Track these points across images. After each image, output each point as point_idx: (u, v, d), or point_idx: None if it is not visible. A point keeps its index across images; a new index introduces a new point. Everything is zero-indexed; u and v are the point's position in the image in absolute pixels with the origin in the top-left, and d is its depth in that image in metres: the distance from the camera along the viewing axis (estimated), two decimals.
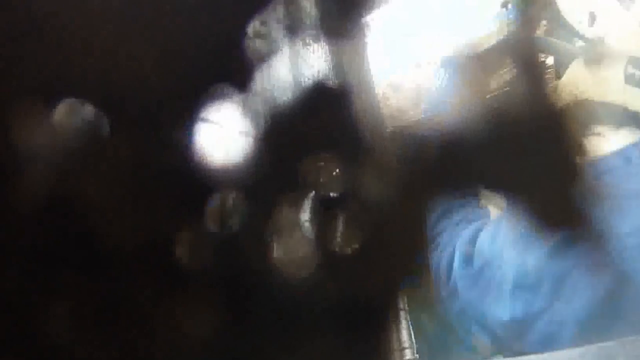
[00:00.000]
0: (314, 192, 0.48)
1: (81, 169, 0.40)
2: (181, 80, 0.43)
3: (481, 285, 0.79)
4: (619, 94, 0.79)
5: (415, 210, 0.53)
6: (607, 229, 0.65)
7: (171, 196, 0.42)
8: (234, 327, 0.43)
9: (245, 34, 0.45)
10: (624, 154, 0.76)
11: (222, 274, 0.43)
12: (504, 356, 0.81)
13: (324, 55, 0.56)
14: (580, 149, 0.75)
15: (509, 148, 0.55)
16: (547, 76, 0.96)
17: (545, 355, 0.66)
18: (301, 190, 0.47)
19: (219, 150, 0.45)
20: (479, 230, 0.83)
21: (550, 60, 0.97)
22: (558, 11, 0.92)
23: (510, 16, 1.05)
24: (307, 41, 0.54)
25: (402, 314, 0.62)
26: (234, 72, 0.46)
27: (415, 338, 0.64)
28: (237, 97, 0.46)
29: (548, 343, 0.72)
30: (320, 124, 0.50)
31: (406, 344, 0.62)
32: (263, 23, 0.47)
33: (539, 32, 1.05)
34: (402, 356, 0.61)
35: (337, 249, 0.47)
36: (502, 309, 0.76)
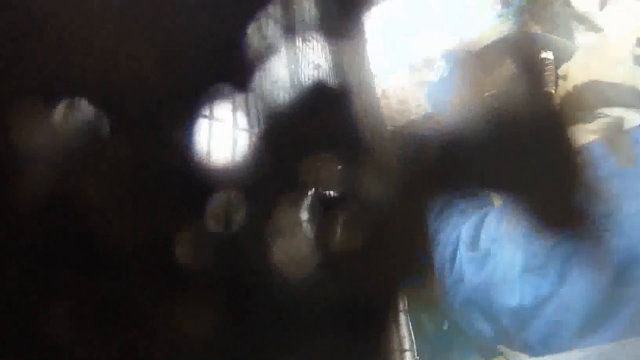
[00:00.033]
0: (314, 192, 0.48)
1: (81, 169, 0.40)
2: (181, 80, 0.43)
3: (488, 270, 0.78)
4: (628, 75, 0.79)
5: (415, 210, 0.53)
6: (612, 215, 0.66)
7: (171, 196, 0.42)
8: (234, 327, 0.43)
9: (245, 34, 0.45)
10: (632, 135, 0.77)
11: (222, 274, 0.43)
12: (505, 354, 0.81)
13: (323, 55, 0.56)
14: (580, 149, 0.76)
15: (508, 148, 0.55)
16: (547, 74, 0.96)
17: (546, 358, 0.66)
18: (301, 190, 0.47)
19: (219, 150, 0.45)
20: (484, 216, 0.82)
21: (550, 57, 0.97)
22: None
23: (511, 12, 1.05)
24: (307, 41, 0.54)
25: (402, 314, 0.62)
26: (234, 72, 0.46)
27: (415, 338, 0.64)
28: (237, 97, 0.46)
29: (554, 332, 0.72)
30: (320, 123, 0.50)
31: (406, 345, 0.62)
32: (263, 23, 0.47)
33: (540, 28, 1.05)
34: (402, 357, 0.61)
35: (337, 249, 0.47)
36: (510, 294, 0.75)
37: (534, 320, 0.73)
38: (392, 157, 0.56)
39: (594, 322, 0.69)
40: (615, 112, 0.79)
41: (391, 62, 1.11)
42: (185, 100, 0.43)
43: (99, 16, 0.40)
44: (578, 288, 0.70)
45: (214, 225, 0.43)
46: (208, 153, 0.44)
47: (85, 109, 0.39)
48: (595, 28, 0.91)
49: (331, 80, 0.57)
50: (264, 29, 0.47)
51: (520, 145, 0.56)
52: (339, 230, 0.48)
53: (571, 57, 0.87)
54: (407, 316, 0.63)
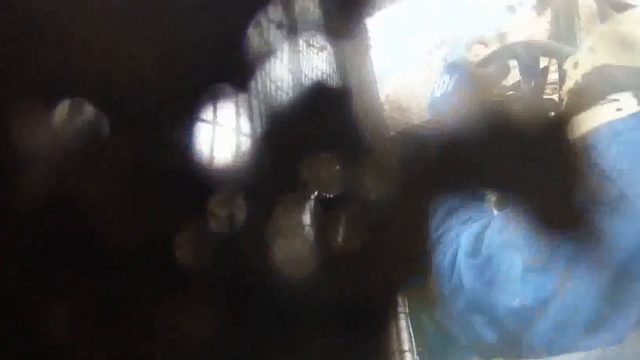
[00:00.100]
0: (314, 192, 0.48)
1: (81, 169, 0.40)
2: (181, 80, 0.43)
3: (488, 275, 0.78)
4: (638, 57, 0.79)
5: (416, 210, 0.53)
6: (623, 196, 0.66)
7: (171, 196, 0.42)
8: (234, 327, 0.43)
9: (246, 34, 0.45)
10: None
11: (222, 274, 0.43)
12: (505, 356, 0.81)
13: (325, 56, 0.56)
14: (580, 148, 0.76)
15: (509, 148, 0.55)
16: (550, 82, 0.96)
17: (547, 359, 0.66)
18: (301, 191, 0.47)
19: (219, 150, 0.45)
20: (485, 227, 0.82)
21: (553, 64, 0.97)
22: None
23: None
24: (309, 42, 0.54)
25: (402, 314, 0.62)
26: (234, 72, 0.46)
27: (415, 339, 0.64)
28: (237, 97, 0.46)
29: (559, 332, 0.71)
30: (321, 124, 0.50)
31: (406, 345, 0.62)
32: (264, 23, 0.47)
33: (544, 34, 1.06)
34: (402, 357, 0.61)
35: (337, 249, 0.47)
36: (512, 296, 0.75)
37: (538, 321, 0.73)
38: (392, 157, 0.56)
39: (600, 322, 0.68)
40: (626, 96, 0.79)
41: (392, 62, 1.11)
42: (185, 100, 0.43)
43: (99, 16, 0.40)
44: (582, 286, 0.70)
45: (214, 225, 0.43)
46: (208, 153, 0.44)
47: (85, 109, 0.39)
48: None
49: (332, 81, 0.57)
50: (265, 29, 0.47)
51: (521, 146, 0.56)
52: (339, 230, 0.48)
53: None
54: (407, 317, 0.63)
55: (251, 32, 0.46)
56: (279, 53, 0.50)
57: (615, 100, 0.79)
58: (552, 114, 0.89)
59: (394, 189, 0.51)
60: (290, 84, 0.52)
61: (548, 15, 1.09)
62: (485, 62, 0.98)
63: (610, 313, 0.68)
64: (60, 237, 0.39)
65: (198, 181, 0.44)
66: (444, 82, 0.97)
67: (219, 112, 0.45)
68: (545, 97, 0.96)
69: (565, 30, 1.07)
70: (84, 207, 0.39)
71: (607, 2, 0.98)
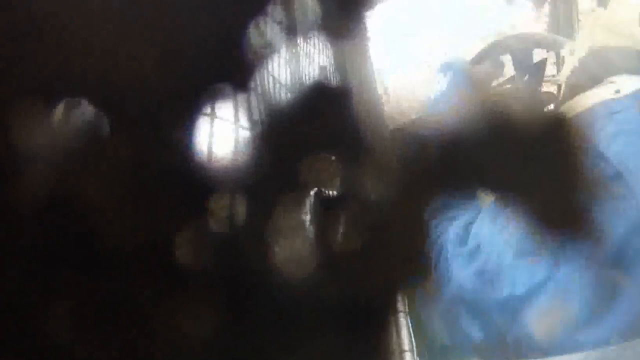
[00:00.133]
0: (314, 192, 0.48)
1: (81, 169, 0.40)
2: (181, 80, 0.43)
3: (476, 264, 0.78)
4: (634, 38, 0.79)
5: (416, 210, 0.53)
6: (620, 177, 0.66)
7: (171, 196, 0.42)
8: (234, 327, 0.43)
9: (246, 33, 0.45)
10: (636, 97, 0.77)
11: (222, 274, 0.43)
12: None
13: (325, 55, 0.56)
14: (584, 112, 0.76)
15: (509, 148, 0.55)
16: (547, 74, 0.96)
17: (545, 358, 0.66)
18: (301, 190, 0.47)
19: (219, 150, 0.45)
20: (474, 218, 0.82)
21: (551, 57, 0.97)
22: None
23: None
24: (309, 41, 0.54)
25: (402, 314, 0.62)
26: (234, 72, 0.46)
27: (415, 339, 0.64)
28: (237, 97, 0.46)
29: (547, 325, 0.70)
30: (320, 123, 0.50)
31: (406, 345, 0.62)
32: (264, 23, 0.47)
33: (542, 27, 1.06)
34: (402, 357, 0.61)
35: (337, 249, 0.47)
36: (500, 285, 0.74)
37: (528, 312, 0.72)
38: (392, 157, 0.56)
39: (592, 315, 0.68)
40: (622, 79, 0.79)
41: (391, 62, 1.11)
42: (185, 100, 0.43)
43: (99, 16, 0.40)
44: (574, 275, 0.69)
45: (214, 225, 0.43)
46: (208, 153, 0.44)
47: (85, 109, 0.39)
48: None
49: (332, 80, 0.57)
50: (265, 28, 0.47)
51: (521, 145, 0.56)
52: (339, 230, 0.48)
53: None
54: (407, 316, 0.63)
55: (251, 31, 0.46)
56: (279, 53, 0.50)
57: (611, 82, 0.79)
58: (551, 106, 0.90)
59: (394, 189, 0.51)
60: (290, 83, 0.52)
61: (547, 8, 1.09)
62: (479, 59, 0.99)
63: (601, 305, 0.67)
64: (60, 237, 0.39)
65: (198, 181, 0.44)
66: (439, 83, 0.97)
67: (218, 112, 0.45)
68: (544, 90, 0.96)
69: (564, 22, 1.07)
70: (84, 207, 0.39)
71: None
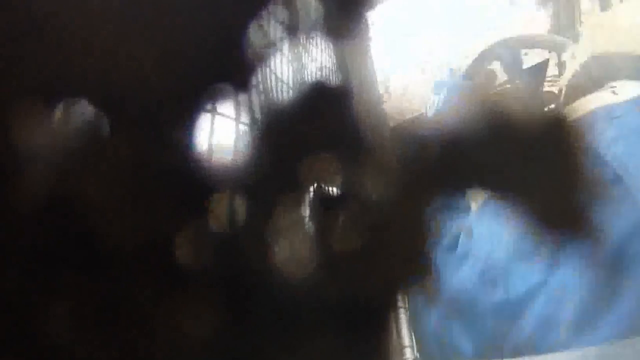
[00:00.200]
0: (314, 192, 0.48)
1: (81, 169, 0.40)
2: (181, 80, 0.43)
3: (467, 269, 0.77)
4: (635, 44, 0.79)
5: (416, 210, 0.53)
6: (619, 181, 0.65)
7: (171, 196, 0.42)
8: (234, 327, 0.43)
9: (246, 33, 0.45)
10: (637, 102, 0.77)
11: (222, 274, 0.43)
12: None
13: (325, 55, 0.56)
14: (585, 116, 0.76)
15: (509, 148, 0.55)
16: (548, 74, 0.96)
17: (544, 357, 0.66)
18: (301, 191, 0.47)
19: (220, 150, 0.45)
20: (463, 222, 0.82)
21: (552, 58, 0.97)
22: None
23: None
24: (309, 41, 0.54)
25: (402, 310, 0.62)
26: (234, 72, 0.46)
27: (415, 336, 0.64)
28: (237, 97, 0.46)
29: (545, 328, 0.70)
30: (321, 123, 0.50)
31: (406, 341, 0.62)
32: (265, 23, 0.47)
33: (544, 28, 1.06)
34: (402, 352, 0.61)
35: (337, 249, 0.47)
36: (493, 290, 0.73)
37: (523, 316, 0.71)
38: (393, 157, 0.56)
39: (589, 317, 0.67)
40: (623, 84, 0.79)
41: (392, 62, 1.11)
42: (185, 100, 0.43)
43: (99, 16, 0.40)
44: (570, 276, 0.68)
45: (214, 225, 0.43)
46: (208, 153, 0.44)
47: (85, 109, 0.39)
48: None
49: (333, 80, 0.57)
50: (267, 28, 0.47)
51: (521, 145, 0.56)
52: (339, 230, 0.48)
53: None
54: (407, 312, 0.63)
55: (252, 31, 0.46)
56: (279, 53, 0.50)
57: (612, 87, 0.79)
58: (552, 106, 0.90)
59: (394, 189, 0.51)
60: (291, 83, 0.52)
61: (550, 9, 1.09)
62: (470, 73, 0.98)
63: (601, 308, 0.67)
64: (60, 237, 0.39)
65: (198, 181, 0.44)
66: (434, 103, 0.97)
67: (218, 112, 0.45)
68: (545, 89, 0.97)
69: (566, 23, 1.07)
70: (84, 207, 0.39)
71: None
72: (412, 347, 0.63)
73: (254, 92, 0.47)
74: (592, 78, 0.80)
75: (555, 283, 0.69)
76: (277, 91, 0.50)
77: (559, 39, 0.99)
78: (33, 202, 0.38)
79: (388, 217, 0.50)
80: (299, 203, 0.47)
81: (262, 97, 0.48)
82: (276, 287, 0.44)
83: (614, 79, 0.80)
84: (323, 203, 0.48)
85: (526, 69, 1.03)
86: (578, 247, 0.64)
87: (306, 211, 0.47)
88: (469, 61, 0.99)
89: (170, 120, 0.42)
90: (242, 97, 0.47)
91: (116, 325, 0.40)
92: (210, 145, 0.45)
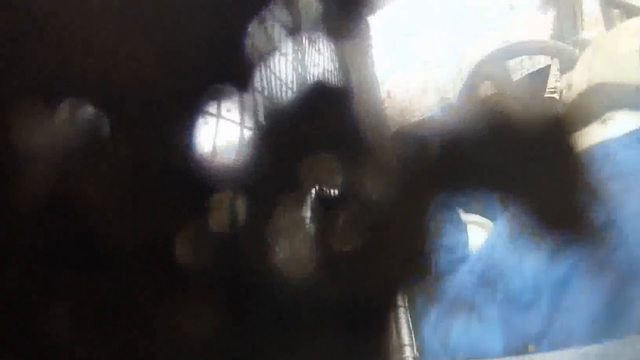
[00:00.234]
0: (314, 192, 0.48)
1: (81, 169, 0.40)
2: (182, 80, 0.43)
3: (467, 269, 0.77)
4: (634, 73, 0.78)
5: (416, 210, 0.53)
6: (613, 219, 0.64)
7: (171, 196, 0.42)
8: (234, 327, 0.43)
9: (246, 33, 0.45)
10: (635, 135, 0.75)
11: (222, 274, 0.43)
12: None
13: (326, 55, 0.56)
14: (582, 151, 0.75)
15: (509, 148, 0.55)
16: (551, 80, 0.96)
17: (549, 355, 0.66)
18: (301, 191, 0.47)
19: (220, 150, 0.45)
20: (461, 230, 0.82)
21: (554, 63, 0.97)
22: None
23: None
24: (310, 41, 0.54)
25: (402, 309, 0.62)
26: (234, 71, 0.46)
27: (415, 335, 0.64)
28: (237, 97, 0.46)
29: (546, 327, 0.70)
30: (321, 123, 0.50)
31: (406, 340, 0.62)
32: (266, 23, 0.47)
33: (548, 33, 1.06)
34: (402, 351, 0.61)
35: (337, 249, 0.47)
36: (493, 290, 0.73)
37: (523, 316, 0.71)
38: (393, 157, 0.56)
39: (599, 331, 0.67)
40: (622, 115, 0.78)
41: (392, 62, 1.11)
42: (185, 100, 0.43)
43: (99, 16, 0.40)
44: (572, 275, 0.68)
45: (214, 225, 0.43)
46: (208, 153, 0.44)
47: (85, 109, 0.39)
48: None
49: (334, 81, 0.57)
50: (267, 29, 0.47)
51: (522, 147, 0.56)
52: (339, 230, 0.48)
53: (574, 65, 0.86)
54: (406, 311, 0.63)
55: (253, 31, 0.46)
56: (280, 53, 0.50)
57: (610, 119, 0.78)
58: (553, 112, 0.89)
59: (394, 189, 0.51)
60: (291, 83, 0.52)
61: (551, 13, 1.09)
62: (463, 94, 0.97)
63: (610, 323, 0.67)
64: (60, 237, 0.39)
65: (198, 181, 0.44)
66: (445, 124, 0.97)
67: (219, 112, 0.45)
68: (547, 94, 0.96)
69: (569, 28, 1.07)
70: (84, 207, 0.39)
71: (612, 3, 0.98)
72: (412, 346, 0.63)
73: (254, 92, 0.47)
74: (590, 108, 0.79)
75: (556, 283, 0.70)
76: (277, 91, 0.50)
77: (561, 45, 0.98)
78: (33, 202, 0.38)
79: (388, 217, 0.50)
80: (299, 203, 0.47)
81: (263, 98, 0.48)
82: (276, 287, 0.44)
83: (613, 109, 0.78)
84: (323, 203, 0.48)
85: (527, 75, 1.03)
86: (578, 247, 0.64)
87: (306, 211, 0.47)
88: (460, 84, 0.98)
89: (170, 120, 0.42)
90: (243, 98, 0.47)
91: (116, 325, 0.40)
92: (210, 145, 0.45)
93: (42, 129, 0.39)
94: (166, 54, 0.42)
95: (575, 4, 1.05)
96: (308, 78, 0.54)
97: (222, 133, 0.45)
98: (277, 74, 0.50)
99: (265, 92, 0.49)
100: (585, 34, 1.02)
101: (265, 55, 0.48)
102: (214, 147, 0.45)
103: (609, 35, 0.86)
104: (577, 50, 0.94)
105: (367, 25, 0.61)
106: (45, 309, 0.39)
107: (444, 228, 0.86)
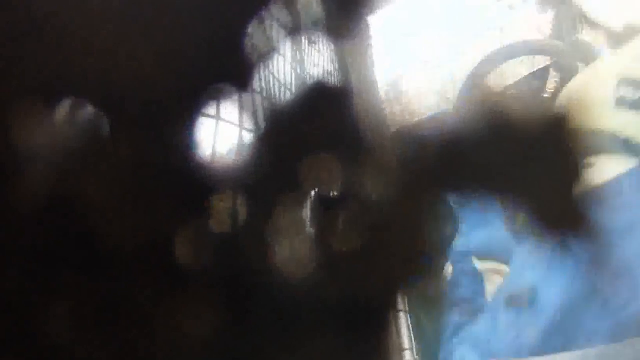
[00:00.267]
0: (314, 192, 0.48)
1: (81, 169, 0.40)
2: (182, 80, 0.43)
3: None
4: (609, 119, 0.76)
5: (416, 210, 0.53)
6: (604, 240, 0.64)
7: (171, 196, 0.42)
8: (234, 327, 0.43)
9: (246, 34, 0.45)
10: (615, 185, 0.73)
11: (222, 274, 0.43)
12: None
13: (326, 55, 0.56)
14: (581, 150, 0.74)
15: (509, 149, 0.55)
16: (549, 81, 0.96)
17: (549, 357, 0.66)
18: (301, 191, 0.47)
19: (220, 150, 0.45)
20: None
21: (554, 64, 0.97)
22: None
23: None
24: (310, 41, 0.54)
25: (402, 313, 0.62)
26: (234, 71, 0.46)
27: (415, 338, 0.64)
28: (237, 97, 0.46)
29: (546, 327, 0.70)
30: (321, 123, 0.50)
31: (406, 344, 0.62)
32: (266, 23, 0.47)
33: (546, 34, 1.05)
34: (401, 356, 0.61)
35: (337, 249, 0.47)
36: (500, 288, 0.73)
37: (523, 316, 0.71)
38: (392, 157, 0.56)
39: (591, 315, 0.67)
40: (599, 160, 0.76)
41: (392, 62, 1.11)
42: (185, 100, 0.43)
43: (99, 16, 0.40)
44: (572, 275, 0.68)
45: (214, 225, 0.43)
46: (209, 153, 0.44)
47: (85, 109, 0.39)
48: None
49: (334, 81, 0.57)
50: (267, 29, 0.47)
51: (521, 146, 0.56)
52: (339, 230, 0.48)
53: (574, 65, 0.86)
54: (407, 315, 0.63)
55: (252, 31, 0.46)
56: (279, 53, 0.50)
57: (590, 165, 0.75)
58: (552, 112, 0.89)
59: (394, 189, 0.51)
60: (291, 83, 0.52)
61: (551, 14, 1.09)
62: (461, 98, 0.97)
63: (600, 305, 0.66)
64: (60, 237, 0.39)
65: (198, 181, 0.44)
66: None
67: (219, 112, 0.45)
68: (546, 94, 0.96)
69: (568, 29, 1.07)
70: (84, 207, 0.39)
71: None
72: (412, 349, 0.63)
73: (254, 92, 0.47)
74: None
75: (555, 283, 0.70)
76: (277, 91, 0.50)
77: (561, 45, 0.98)
78: (33, 202, 0.38)
79: (388, 217, 0.50)
80: (299, 203, 0.47)
81: (263, 98, 0.48)
82: (276, 287, 0.44)
83: (589, 155, 0.76)
84: (323, 203, 0.48)
85: (527, 76, 1.02)
86: (577, 247, 0.64)
87: (306, 211, 0.47)
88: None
89: (170, 120, 0.42)
90: (243, 98, 0.47)
91: (116, 325, 0.40)
92: (210, 145, 0.45)
93: (42, 129, 0.39)
94: (166, 54, 0.42)
95: (575, 4, 1.05)
96: (308, 78, 0.54)
97: (222, 133, 0.45)
98: (277, 74, 0.50)
99: (265, 92, 0.49)
100: (585, 35, 1.01)
101: (265, 55, 0.48)
102: (214, 147, 0.45)
103: (581, 81, 0.84)
104: (577, 51, 0.94)
105: (367, 25, 0.61)
106: (45, 309, 0.39)
107: (460, 280, 0.86)
